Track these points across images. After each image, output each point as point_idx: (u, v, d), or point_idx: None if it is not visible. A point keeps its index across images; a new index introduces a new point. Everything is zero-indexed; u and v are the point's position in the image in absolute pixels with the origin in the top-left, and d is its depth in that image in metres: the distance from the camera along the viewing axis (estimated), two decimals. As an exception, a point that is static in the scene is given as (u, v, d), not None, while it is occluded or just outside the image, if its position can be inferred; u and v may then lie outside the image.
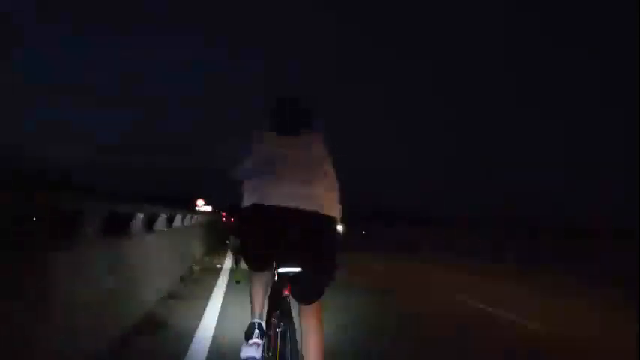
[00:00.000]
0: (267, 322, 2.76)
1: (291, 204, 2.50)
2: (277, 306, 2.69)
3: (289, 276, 2.59)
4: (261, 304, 2.76)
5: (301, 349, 2.54)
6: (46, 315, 2.77)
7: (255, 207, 2.57)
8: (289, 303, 2.64)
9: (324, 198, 2.60)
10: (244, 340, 2.65)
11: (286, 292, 2.63)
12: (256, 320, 2.70)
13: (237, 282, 5.94)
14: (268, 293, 2.81)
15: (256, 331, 2.65)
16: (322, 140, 2.77)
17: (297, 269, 2.56)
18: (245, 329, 2.69)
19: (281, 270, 2.61)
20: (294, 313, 2.64)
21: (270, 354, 2.69)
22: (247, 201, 2.63)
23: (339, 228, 2.79)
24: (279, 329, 2.62)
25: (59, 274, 3.02)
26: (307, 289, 2.63)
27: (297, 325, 2.60)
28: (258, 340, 2.62)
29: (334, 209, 2.66)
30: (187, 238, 10.15)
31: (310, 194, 2.55)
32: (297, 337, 2.54)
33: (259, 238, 2.64)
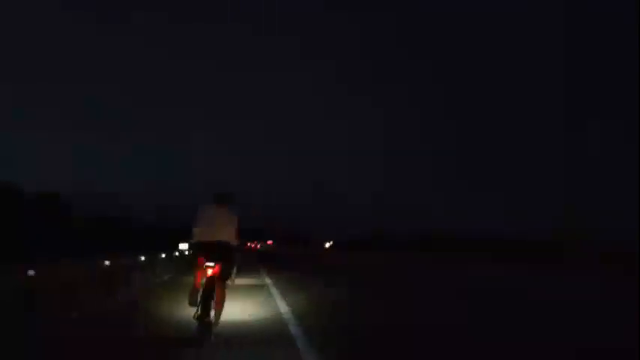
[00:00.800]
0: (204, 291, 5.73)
1: (214, 239, 5.95)
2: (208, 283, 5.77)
3: (212, 267, 5.79)
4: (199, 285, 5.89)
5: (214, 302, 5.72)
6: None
7: (199, 242, 6.03)
8: (213, 281, 5.76)
9: (228, 235, 6.01)
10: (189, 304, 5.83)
11: (210, 275, 5.76)
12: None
13: None
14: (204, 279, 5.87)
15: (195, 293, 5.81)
16: (230, 210, 6.18)
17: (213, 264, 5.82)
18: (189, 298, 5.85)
19: (207, 264, 5.79)
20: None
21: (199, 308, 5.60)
22: (196, 238, 6.03)
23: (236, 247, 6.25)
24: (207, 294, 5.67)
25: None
26: (223, 274, 5.94)
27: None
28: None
29: (233, 240, 6.08)
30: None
31: (223, 233, 6.00)
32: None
33: (202, 253, 5.92)
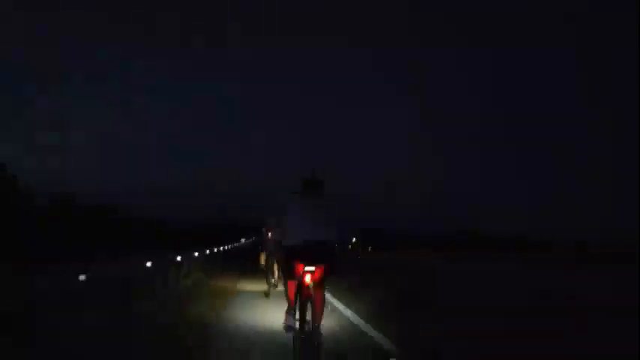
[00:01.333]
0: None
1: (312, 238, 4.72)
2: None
3: (312, 272, 4.67)
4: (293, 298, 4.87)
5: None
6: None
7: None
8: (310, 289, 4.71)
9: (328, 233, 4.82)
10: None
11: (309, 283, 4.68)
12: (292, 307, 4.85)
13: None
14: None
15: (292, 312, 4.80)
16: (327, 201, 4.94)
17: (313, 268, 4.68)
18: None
19: (307, 268, 4.66)
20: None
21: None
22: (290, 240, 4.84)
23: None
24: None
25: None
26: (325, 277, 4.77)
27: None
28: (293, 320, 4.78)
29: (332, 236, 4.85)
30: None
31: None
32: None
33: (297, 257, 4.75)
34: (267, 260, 10.42)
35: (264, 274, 10.45)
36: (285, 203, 4.94)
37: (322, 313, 4.72)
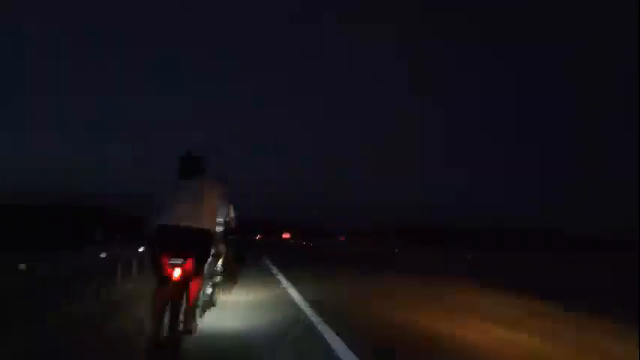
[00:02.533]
0: None
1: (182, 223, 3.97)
2: None
3: (179, 264, 3.93)
4: None
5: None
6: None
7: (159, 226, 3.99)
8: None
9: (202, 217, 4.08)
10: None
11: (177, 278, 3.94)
12: None
13: None
14: None
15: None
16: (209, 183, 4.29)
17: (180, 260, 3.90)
18: None
19: (172, 261, 3.88)
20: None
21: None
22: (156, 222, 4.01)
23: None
24: None
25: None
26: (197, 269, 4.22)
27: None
28: None
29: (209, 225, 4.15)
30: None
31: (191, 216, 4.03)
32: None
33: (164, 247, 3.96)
34: None
35: None
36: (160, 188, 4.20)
37: (195, 301, 4.25)
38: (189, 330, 4.20)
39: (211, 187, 4.26)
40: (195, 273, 4.08)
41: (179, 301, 3.92)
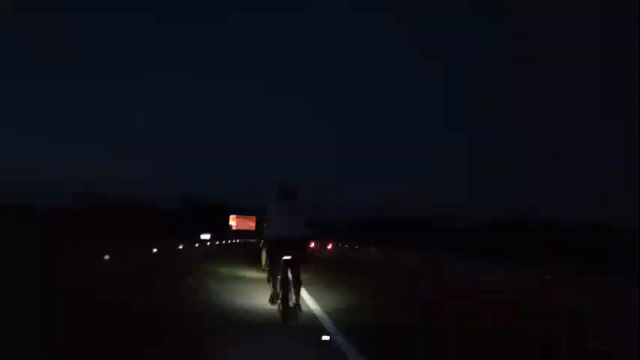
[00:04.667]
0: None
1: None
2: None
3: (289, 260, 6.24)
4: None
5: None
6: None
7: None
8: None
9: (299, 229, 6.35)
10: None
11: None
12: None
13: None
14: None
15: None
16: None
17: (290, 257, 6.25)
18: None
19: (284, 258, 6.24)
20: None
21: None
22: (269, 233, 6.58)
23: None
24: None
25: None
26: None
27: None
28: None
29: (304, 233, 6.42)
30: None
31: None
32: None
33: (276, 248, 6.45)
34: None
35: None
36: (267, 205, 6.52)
37: (299, 293, 6.16)
38: (297, 304, 6.18)
39: (303, 208, 6.45)
40: (297, 265, 6.29)
41: (288, 279, 6.13)
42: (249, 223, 51.79)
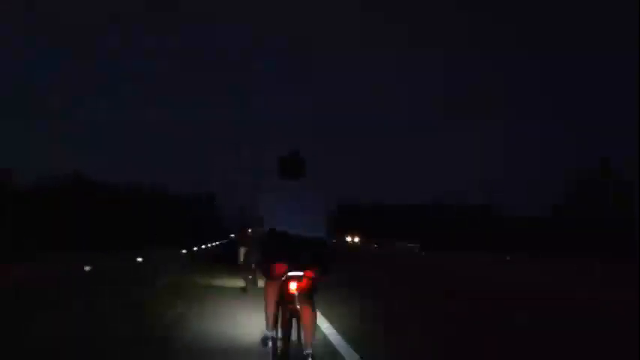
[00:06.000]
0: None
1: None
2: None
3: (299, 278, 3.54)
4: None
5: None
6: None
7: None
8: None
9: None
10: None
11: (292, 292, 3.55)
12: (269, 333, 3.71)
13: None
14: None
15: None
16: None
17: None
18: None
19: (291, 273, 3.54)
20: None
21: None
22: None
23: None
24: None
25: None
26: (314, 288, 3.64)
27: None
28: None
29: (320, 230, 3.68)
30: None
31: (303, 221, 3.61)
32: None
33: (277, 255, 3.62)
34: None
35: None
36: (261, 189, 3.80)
37: (313, 334, 3.56)
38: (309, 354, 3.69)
39: (320, 193, 3.80)
40: (313, 289, 3.66)
41: (293, 318, 3.65)
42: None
